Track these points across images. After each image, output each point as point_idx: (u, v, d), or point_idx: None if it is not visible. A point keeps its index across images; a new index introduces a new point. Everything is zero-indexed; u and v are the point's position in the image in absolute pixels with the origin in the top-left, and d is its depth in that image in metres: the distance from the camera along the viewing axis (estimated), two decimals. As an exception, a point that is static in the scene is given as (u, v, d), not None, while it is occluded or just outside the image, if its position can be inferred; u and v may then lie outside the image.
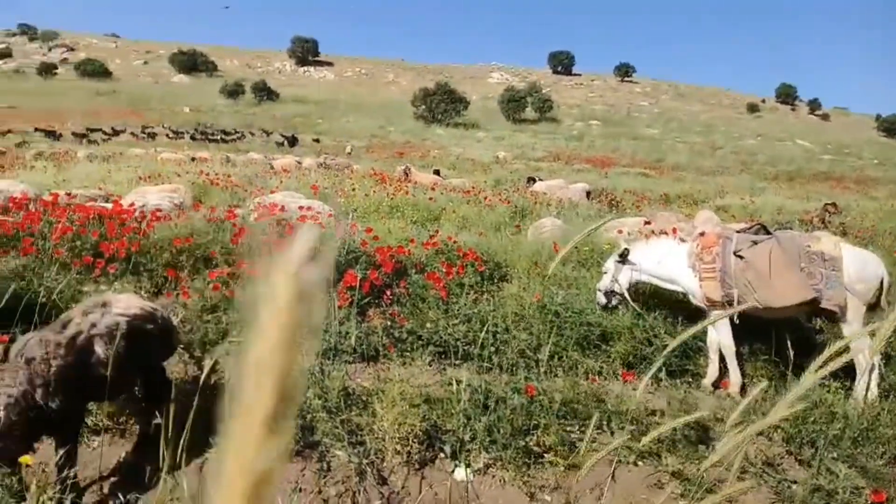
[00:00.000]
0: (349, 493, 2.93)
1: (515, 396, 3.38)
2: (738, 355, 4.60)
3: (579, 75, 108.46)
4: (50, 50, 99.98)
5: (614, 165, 33.56)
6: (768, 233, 4.68)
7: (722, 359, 4.62)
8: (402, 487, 3.00)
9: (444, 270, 5.49)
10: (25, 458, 2.48)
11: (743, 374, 4.55)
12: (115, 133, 34.73)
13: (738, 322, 4.52)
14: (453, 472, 3.15)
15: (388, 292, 5.22)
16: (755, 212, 14.90)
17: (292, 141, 36.63)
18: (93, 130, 33.79)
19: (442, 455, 3.26)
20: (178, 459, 2.42)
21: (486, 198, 12.01)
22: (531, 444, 3.25)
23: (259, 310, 0.33)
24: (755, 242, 4.53)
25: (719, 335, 4.58)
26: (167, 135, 36.15)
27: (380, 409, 3.34)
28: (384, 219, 8.83)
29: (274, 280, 0.34)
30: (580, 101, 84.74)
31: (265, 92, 63.44)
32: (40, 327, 4.15)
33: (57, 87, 66.82)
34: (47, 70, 78.00)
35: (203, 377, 2.88)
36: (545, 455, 3.26)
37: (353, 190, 12.02)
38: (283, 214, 6.43)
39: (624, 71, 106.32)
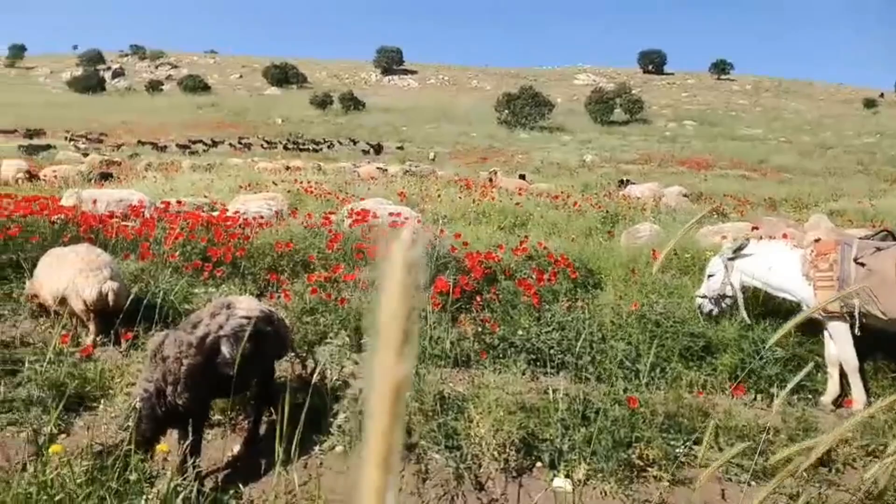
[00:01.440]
0: (448, 497, 3.00)
1: (616, 407, 3.32)
2: (861, 371, 4.26)
3: (671, 74, 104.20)
4: (157, 68, 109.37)
5: (712, 167, 31.98)
6: (896, 239, 4.31)
7: (843, 375, 4.29)
8: (502, 495, 3.03)
9: (535, 277, 5.48)
10: (163, 447, 2.74)
11: (867, 392, 4.20)
12: (215, 144, 37.39)
13: (859, 334, 4.18)
14: (552, 481, 3.14)
15: (479, 298, 5.29)
16: (876, 216, 13.67)
17: (378, 149, 37.82)
18: (194, 142, 36.58)
19: (539, 464, 3.26)
20: (290, 455, 2.59)
21: (575, 203, 11.84)
22: (633, 457, 3.18)
23: (384, 276, 0.46)
24: (878, 249, 4.18)
25: (839, 349, 4.26)
26: (262, 145, 38.44)
27: (476, 415, 3.39)
28: (471, 224, 8.92)
29: (392, 255, 0.47)
30: (673, 100, 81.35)
31: (352, 102, 65.91)
32: (158, 325, 4.59)
33: (163, 102, 72.90)
34: (154, 87, 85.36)
35: (314, 377, 3.07)
36: (648, 469, 3.17)
37: (439, 196, 12.24)
38: (374, 221, 6.67)
39: (721, 68, 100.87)
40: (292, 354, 4.04)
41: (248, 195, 10.59)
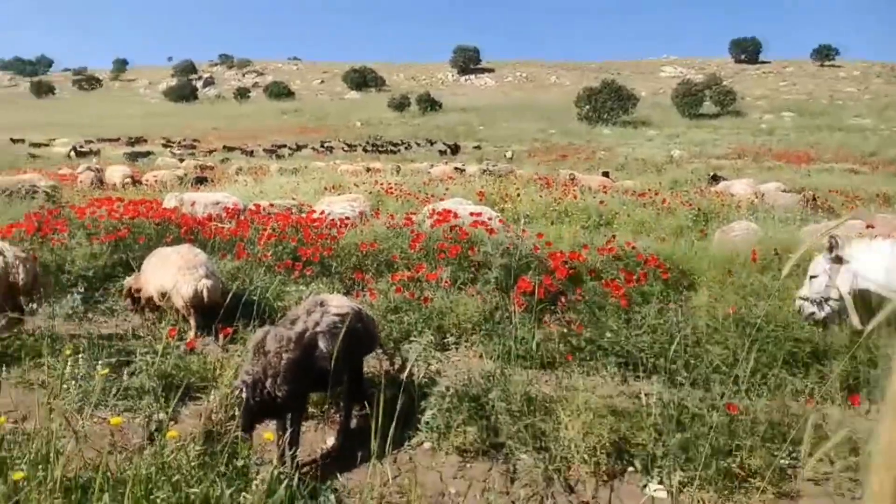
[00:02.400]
0: (537, 498, 3.01)
1: (713, 414, 3.20)
2: None
3: (767, 62, 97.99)
4: (244, 76, 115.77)
5: (814, 161, 29.83)
6: None
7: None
8: (593, 498, 3.01)
9: (623, 278, 5.37)
10: (269, 435, 2.94)
11: None
12: (299, 148, 39.06)
13: None
14: (644, 487, 3.08)
15: (563, 299, 5.25)
16: None
17: (454, 149, 38.13)
18: (280, 146, 38.39)
19: (631, 469, 3.21)
20: (383, 449, 2.70)
21: (663, 200, 11.44)
22: (733, 466, 3.06)
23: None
24: None
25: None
26: (343, 148, 39.78)
27: (564, 417, 3.38)
28: (553, 224, 8.84)
29: None
30: (769, 90, 76.59)
31: (429, 102, 66.86)
32: (255, 321, 4.89)
33: (249, 108, 77.06)
34: (242, 94, 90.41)
35: (402, 374, 3.18)
36: (750, 479, 3.04)
37: (518, 195, 12.20)
38: (456, 220, 6.76)
39: (824, 54, 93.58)
40: (380, 351, 4.18)
41: (331, 197, 11.02)
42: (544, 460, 3.21)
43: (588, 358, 4.44)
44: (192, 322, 5.01)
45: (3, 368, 4.30)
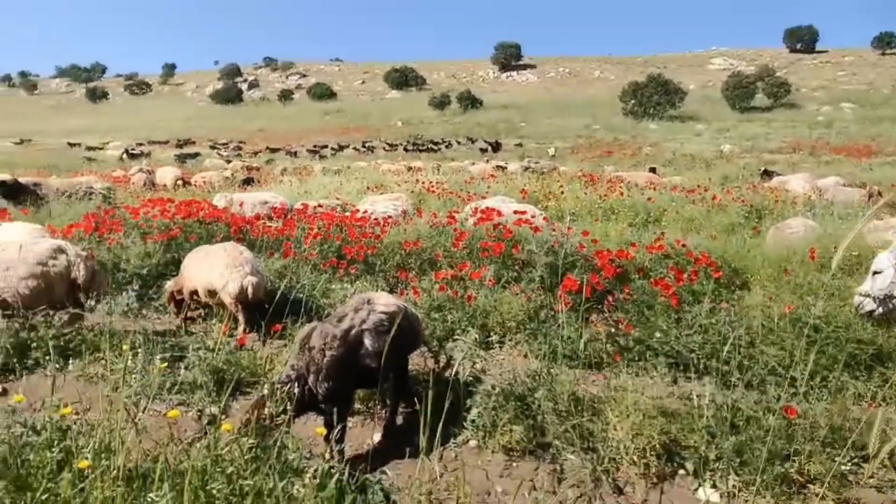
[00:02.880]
0: (585, 498, 2.99)
1: (770, 417, 3.11)
2: None
3: (825, 52, 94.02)
4: (287, 78, 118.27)
5: (876, 154, 28.45)
6: None
7: None
8: (644, 501, 2.97)
9: (673, 276, 5.27)
10: (320, 430, 3.02)
11: None
12: (341, 148, 39.64)
13: None
14: (696, 491, 3.02)
15: (610, 298, 5.18)
16: None
17: (495, 146, 37.99)
18: (322, 147, 39.05)
19: (682, 472, 3.15)
20: (431, 446, 2.73)
21: (714, 196, 11.13)
22: (791, 471, 2.97)
23: None
24: None
25: None
26: (384, 147, 40.17)
27: (613, 418, 3.35)
28: (598, 221, 8.73)
29: None
30: (827, 81, 73.51)
31: (469, 100, 66.79)
32: (303, 318, 5.01)
33: (293, 110, 78.63)
34: (285, 96, 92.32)
35: (446, 372, 3.21)
36: (809, 485, 2.95)
37: (562, 192, 12.08)
38: (499, 219, 6.75)
39: (885, 41, 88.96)
40: (425, 349, 4.22)
41: (374, 196, 11.16)
42: (592, 461, 3.19)
43: (636, 358, 4.38)
44: (241, 318, 5.17)
45: (66, 362, 4.55)
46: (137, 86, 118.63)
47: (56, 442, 2.68)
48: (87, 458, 2.47)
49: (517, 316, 5.07)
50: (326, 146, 39.73)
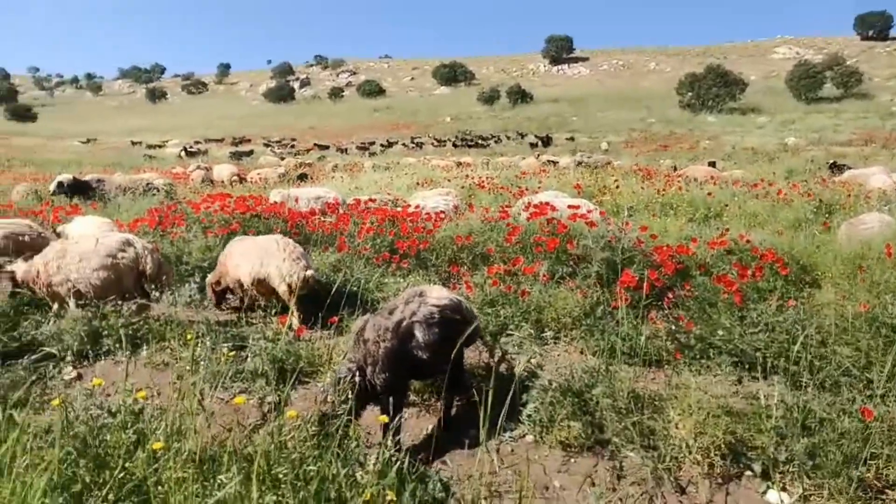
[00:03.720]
0: (646, 497, 2.95)
1: (845, 419, 2.99)
2: None
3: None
4: (338, 76, 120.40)
5: (957, 147, 26.72)
6: None
7: None
8: (709, 502, 2.91)
9: (736, 273, 5.11)
10: (382, 418, 3.08)
11: None
12: (390, 145, 40.13)
13: None
14: (764, 493, 2.93)
15: (670, 294, 5.07)
16: None
17: (546, 141, 37.65)
18: (371, 144, 39.62)
19: (749, 473, 3.07)
20: (488, 438, 2.75)
21: (779, 191, 10.70)
22: (868, 475, 2.85)
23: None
24: None
25: None
26: (432, 143, 40.43)
27: (675, 416, 3.28)
28: (656, 217, 8.54)
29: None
30: (902, 69, 69.35)
31: (519, 95, 66.36)
32: (358, 311, 5.11)
33: (343, 107, 79.97)
34: (336, 94, 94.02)
35: (501, 366, 3.22)
36: (887, 491, 2.82)
37: (618, 187, 11.87)
38: (553, 213, 6.70)
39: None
40: (480, 343, 4.24)
41: (424, 191, 11.25)
42: (653, 459, 3.14)
43: (698, 356, 4.27)
44: (293, 307, 5.33)
45: (135, 349, 4.79)
46: (194, 85, 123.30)
47: (130, 424, 2.83)
48: (160, 440, 2.60)
49: (572, 312, 5.03)
50: (375, 142, 40.29)
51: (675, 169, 15.23)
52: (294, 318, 5.31)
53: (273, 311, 5.27)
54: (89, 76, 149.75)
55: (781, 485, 2.94)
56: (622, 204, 9.57)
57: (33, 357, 4.27)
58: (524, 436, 3.54)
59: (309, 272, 5.25)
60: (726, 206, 9.75)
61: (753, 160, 23.28)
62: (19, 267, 5.39)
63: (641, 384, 3.94)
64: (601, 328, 4.64)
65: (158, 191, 12.28)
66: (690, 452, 3.13)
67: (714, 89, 50.42)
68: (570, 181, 12.80)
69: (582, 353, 4.67)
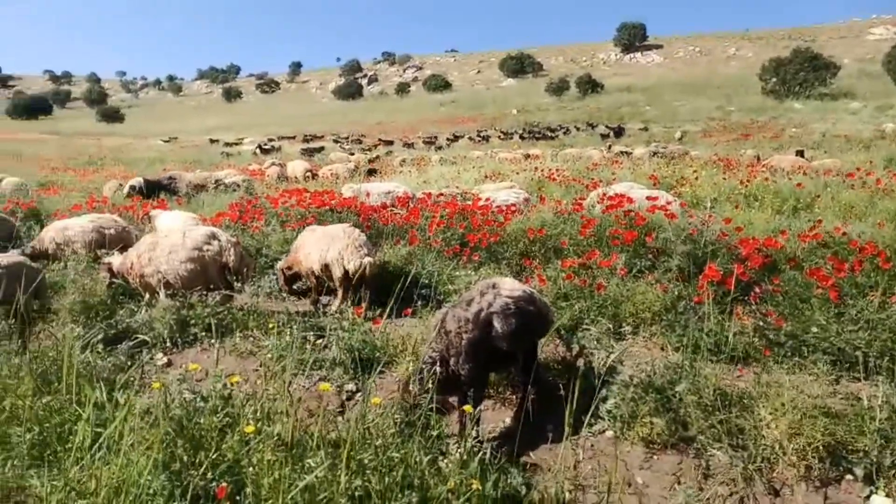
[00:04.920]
0: (736, 498, 2.85)
1: (961, 424, 2.78)
2: None
3: None
4: (404, 71, 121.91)
5: None
6: None
7: None
8: (804, 504, 2.79)
9: (831, 267, 4.82)
10: (468, 408, 3.13)
11: None
12: (456, 138, 40.24)
13: None
14: (867, 498, 2.77)
15: (757, 289, 4.85)
16: None
17: (618, 132, 36.69)
18: (434, 137, 39.87)
19: (850, 477, 2.90)
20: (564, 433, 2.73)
21: (877, 180, 9.99)
22: None
23: None
24: None
25: None
26: (499, 136, 40.22)
27: (767, 415, 3.15)
28: (739, 208, 8.17)
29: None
30: None
31: (589, 85, 64.99)
32: (431, 302, 5.18)
33: (409, 103, 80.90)
34: (402, 89, 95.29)
35: (578, 360, 3.18)
36: None
37: (696, 178, 11.42)
38: (630, 205, 6.53)
39: None
40: (557, 339, 4.21)
41: (493, 184, 11.23)
42: (742, 459, 3.03)
43: (789, 354, 4.07)
44: (340, 293, 5.66)
45: (220, 338, 5.05)
46: (267, 85, 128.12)
47: (220, 408, 2.99)
48: (251, 424, 2.73)
49: (652, 306, 4.90)
50: (440, 137, 40.51)
51: (759, 159, 14.46)
52: (337, 302, 5.62)
53: (350, 302, 5.42)
54: (170, 78, 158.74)
55: (886, 490, 2.77)
56: (702, 195, 9.21)
57: (130, 344, 4.59)
58: (604, 431, 3.49)
59: (367, 259, 5.50)
60: (817, 196, 9.19)
61: (846, 148, 21.81)
62: (115, 259, 5.80)
63: (727, 381, 3.80)
64: (683, 323, 4.50)
65: (238, 187, 12.87)
66: (784, 454, 3.00)
67: (801, 74, 47.60)
68: (646, 172, 12.44)
69: (663, 348, 4.55)
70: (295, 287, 6.22)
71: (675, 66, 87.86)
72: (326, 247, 5.65)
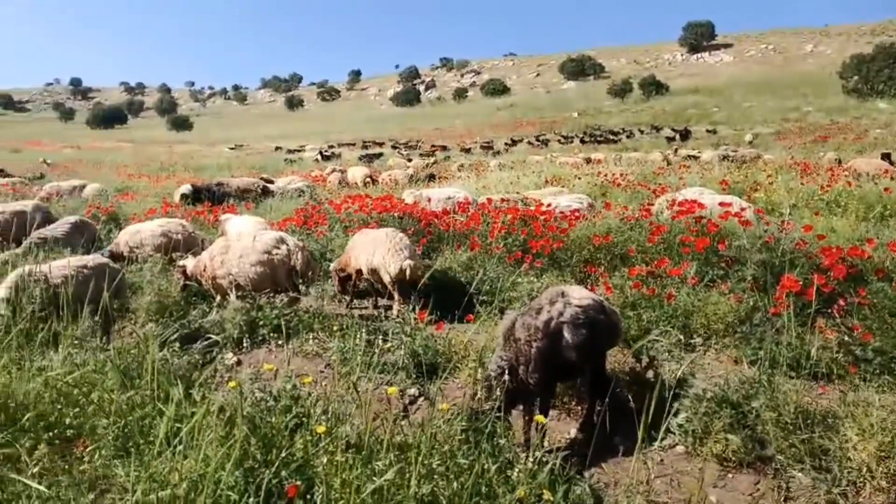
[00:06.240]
0: (820, 522, 2.72)
1: None
2: None
3: None
4: (462, 77, 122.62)
5: None
6: None
7: None
8: (897, 533, 2.63)
9: (927, 279, 4.53)
10: (540, 418, 3.12)
11: None
12: (514, 143, 40.07)
13: None
14: (970, 532, 2.59)
15: (842, 301, 4.61)
16: None
17: (684, 134, 35.62)
18: (490, 143, 39.80)
19: (950, 508, 2.72)
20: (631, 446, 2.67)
21: (981, 185, 9.29)
22: None
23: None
24: None
25: None
26: (559, 140, 39.83)
27: (853, 436, 2.99)
28: (819, 215, 7.78)
29: None
30: None
31: (653, 86, 63.56)
32: (494, 310, 5.18)
33: (467, 108, 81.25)
34: (460, 94, 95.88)
35: (648, 372, 3.11)
36: None
37: (771, 183, 10.96)
38: (701, 211, 6.34)
39: None
40: (626, 349, 4.13)
41: (554, 189, 11.12)
42: (826, 482, 2.89)
43: (878, 371, 3.85)
44: (396, 296, 5.75)
45: (287, 339, 5.21)
46: (328, 93, 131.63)
47: (291, 408, 3.09)
48: (322, 425, 2.79)
49: (725, 317, 4.73)
50: (498, 142, 40.43)
51: (840, 162, 13.72)
52: (396, 305, 5.71)
53: (412, 307, 5.48)
54: (236, 87, 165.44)
55: None
56: (777, 201, 8.83)
57: (204, 343, 4.80)
58: (674, 446, 3.41)
59: (408, 262, 5.60)
60: (909, 202, 8.65)
61: (939, 151, 20.41)
62: (189, 262, 6.09)
63: (807, 399, 3.63)
64: (759, 336, 4.33)
65: (303, 193, 13.29)
66: (873, 477, 2.84)
67: (886, 71, 44.88)
68: (716, 177, 12.04)
69: (736, 362, 4.39)
70: (347, 287, 6.39)
71: (747, 65, 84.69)
72: (372, 250, 5.81)
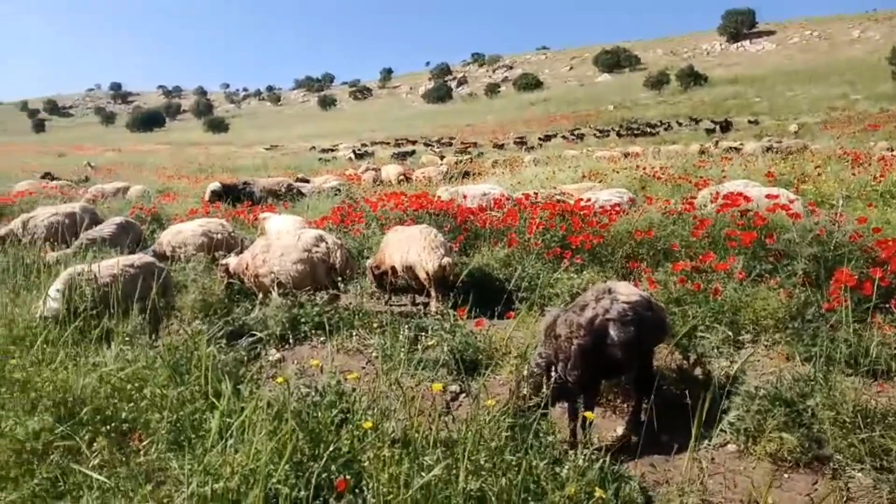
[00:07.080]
0: (884, 525, 2.63)
1: None
2: None
3: None
4: (494, 72, 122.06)
5: None
6: None
7: None
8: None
9: None
10: (589, 415, 3.10)
11: None
12: (548, 138, 39.79)
13: None
14: None
15: (902, 296, 4.44)
16: None
17: (725, 126, 34.83)
18: (523, 138, 39.57)
19: None
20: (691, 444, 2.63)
21: None
22: None
23: None
24: None
25: None
26: (594, 134, 39.38)
27: (918, 435, 2.88)
28: (873, 207, 7.51)
29: None
30: None
31: (692, 77, 62.32)
32: (534, 306, 5.15)
33: (499, 103, 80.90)
34: (492, 90, 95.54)
35: (696, 369, 3.04)
36: None
37: (819, 174, 10.62)
38: (747, 205, 6.18)
39: None
40: (673, 346, 4.06)
41: (592, 184, 10.99)
42: (889, 482, 2.79)
43: (942, 369, 3.70)
44: (433, 293, 5.77)
45: (328, 336, 5.27)
46: (360, 91, 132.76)
47: (336, 404, 3.12)
48: (368, 420, 2.82)
49: (775, 313, 4.61)
50: (531, 137, 40.19)
51: (892, 151, 13.20)
52: (433, 302, 5.72)
53: (451, 304, 5.48)
54: (269, 88, 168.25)
55: None
56: (828, 193, 8.55)
57: (249, 340, 4.90)
58: (725, 444, 3.34)
59: (445, 260, 5.65)
60: (969, 192, 8.29)
61: None
62: (231, 260, 6.22)
63: (865, 397, 3.50)
64: (812, 332, 4.20)
65: (339, 191, 13.46)
66: (940, 481, 2.73)
67: (940, 55, 43.13)
68: (760, 169, 11.71)
69: (788, 358, 4.27)
70: (384, 283, 6.43)
71: (790, 52, 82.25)
72: (406, 248, 5.88)
